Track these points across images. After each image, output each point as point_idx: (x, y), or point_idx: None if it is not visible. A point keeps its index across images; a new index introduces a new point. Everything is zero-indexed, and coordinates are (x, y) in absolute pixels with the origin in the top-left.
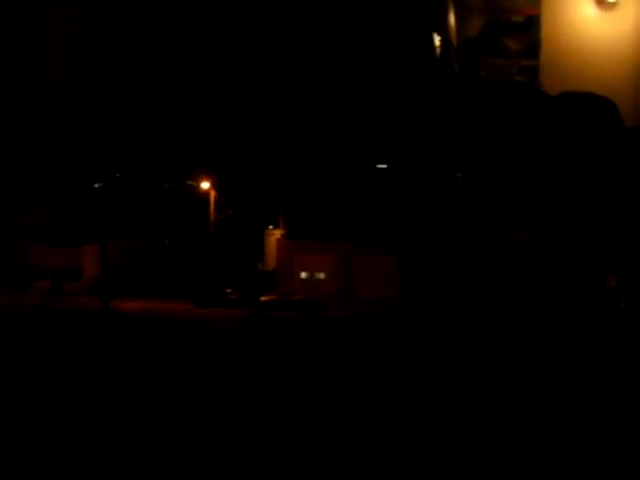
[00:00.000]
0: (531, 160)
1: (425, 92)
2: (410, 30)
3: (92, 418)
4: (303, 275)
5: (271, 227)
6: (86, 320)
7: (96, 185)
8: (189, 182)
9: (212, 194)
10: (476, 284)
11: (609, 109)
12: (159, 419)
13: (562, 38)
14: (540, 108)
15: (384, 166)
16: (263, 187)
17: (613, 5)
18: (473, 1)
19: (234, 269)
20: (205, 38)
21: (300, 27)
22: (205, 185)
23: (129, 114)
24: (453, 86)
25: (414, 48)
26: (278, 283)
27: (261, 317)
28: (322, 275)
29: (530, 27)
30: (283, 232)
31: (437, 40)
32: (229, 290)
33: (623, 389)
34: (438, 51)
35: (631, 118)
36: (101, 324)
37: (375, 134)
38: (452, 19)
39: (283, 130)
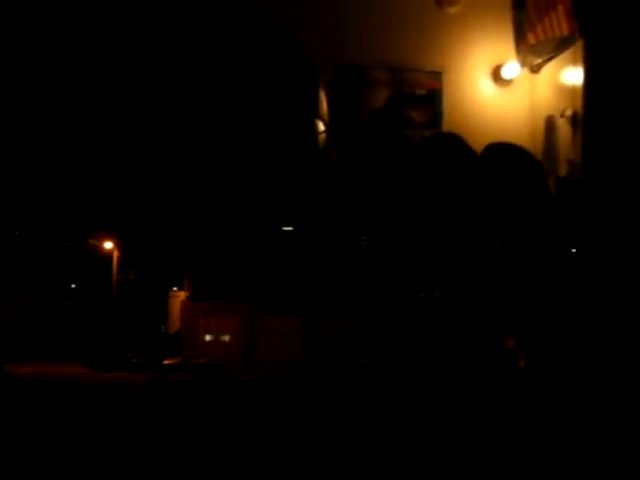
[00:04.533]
0: (431, 223)
1: (318, 157)
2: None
3: None
4: (208, 338)
5: (175, 289)
6: None
7: None
8: (91, 241)
9: (115, 254)
10: (380, 345)
11: (533, 164)
12: None
13: (462, 111)
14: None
15: (289, 229)
16: (167, 248)
17: (509, 82)
18: (378, 74)
19: (137, 331)
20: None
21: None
22: (108, 245)
23: (30, 169)
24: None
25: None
26: (182, 346)
27: (164, 381)
28: (227, 337)
29: (432, 100)
30: (187, 294)
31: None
32: (131, 353)
33: (520, 447)
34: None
35: None
36: None
37: (277, 197)
38: (325, 104)
39: (186, 191)
